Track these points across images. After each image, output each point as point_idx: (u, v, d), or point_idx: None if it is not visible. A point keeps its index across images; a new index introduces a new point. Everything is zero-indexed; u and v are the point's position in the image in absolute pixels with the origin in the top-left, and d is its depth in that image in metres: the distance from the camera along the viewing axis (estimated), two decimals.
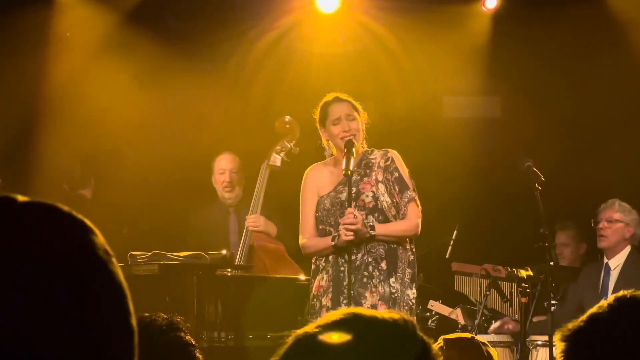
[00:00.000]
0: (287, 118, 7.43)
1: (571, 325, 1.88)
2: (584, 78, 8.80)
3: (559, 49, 8.79)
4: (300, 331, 1.51)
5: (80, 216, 1.25)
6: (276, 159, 7.37)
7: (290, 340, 1.51)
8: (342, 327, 1.48)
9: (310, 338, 1.48)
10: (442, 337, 4.39)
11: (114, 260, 1.26)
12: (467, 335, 4.49)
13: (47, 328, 1.16)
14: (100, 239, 1.25)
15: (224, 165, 7.73)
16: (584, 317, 1.88)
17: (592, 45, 8.67)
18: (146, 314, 2.86)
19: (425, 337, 1.51)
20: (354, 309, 1.52)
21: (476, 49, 8.95)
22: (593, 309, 1.90)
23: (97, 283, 1.22)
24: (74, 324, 1.18)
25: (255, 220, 7.29)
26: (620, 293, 1.93)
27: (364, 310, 1.53)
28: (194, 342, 2.87)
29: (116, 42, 8.61)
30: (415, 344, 1.49)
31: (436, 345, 4.22)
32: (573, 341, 1.85)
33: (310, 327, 1.51)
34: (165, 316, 2.88)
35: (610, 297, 1.92)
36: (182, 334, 2.86)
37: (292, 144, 7.38)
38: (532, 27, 8.80)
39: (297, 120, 7.41)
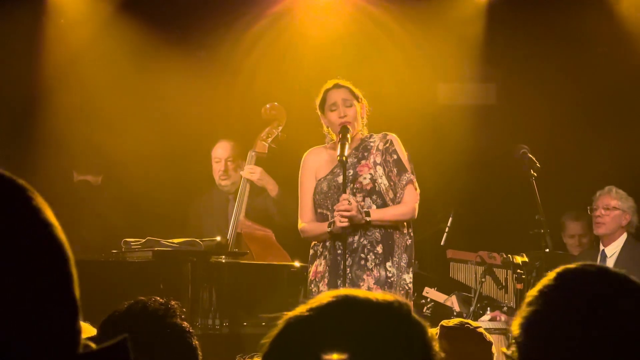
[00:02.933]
0: (272, 104, 7.41)
1: (521, 312, 1.84)
2: (579, 64, 8.77)
3: (554, 35, 8.76)
4: (291, 313, 1.48)
5: (21, 181, 1.22)
6: (263, 146, 7.35)
7: (282, 322, 1.48)
8: (335, 310, 1.45)
9: (303, 320, 1.45)
10: (442, 322, 4.37)
11: (54, 227, 1.21)
12: (472, 323, 4.46)
13: None
14: (40, 203, 1.21)
15: (219, 154, 7.71)
16: (532, 299, 1.84)
17: (587, 31, 8.64)
18: (142, 298, 2.84)
19: (420, 320, 1.48)
20: (346, 291, 1.49)
21: (471, 36, 8.92)
22: (540, 289, 1.86)
23: (33, 247, 1.18)
24: (6, 287, 1.14)
25: (252, 169, 7.27)
26: (561, 269, 1.89)
27: (358, 291, 1.49)
28: (190, 329, 2.85)
29: (109, 29, 8.57)
30: (410, 327, 1.46)
31: (434, 330, 4.21)
32: (525, 327, 1.82)
33: (302, 309, 1.48)
34: (162, 300, 2.86)
35: (551, 274, 1.88)
36: (179, 320, 2.84)
37: (278, 130, 7.36)
38: (527, 14, 8.77)
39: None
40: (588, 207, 7.51)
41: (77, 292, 1.20)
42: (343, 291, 1.49)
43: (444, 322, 4.33)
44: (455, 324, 4.34)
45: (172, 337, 2.79)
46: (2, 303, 1.13)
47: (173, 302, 2.89)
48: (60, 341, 1.16)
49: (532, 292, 1.84)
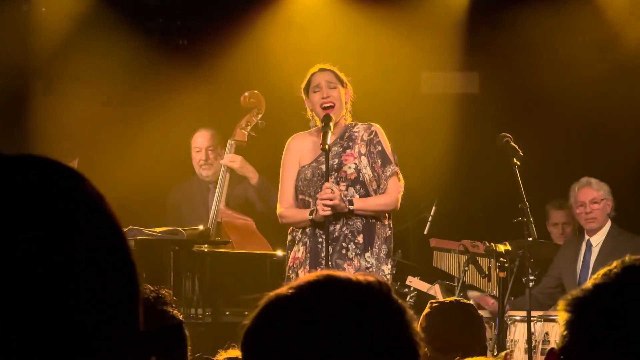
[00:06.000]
0: (251, 92, 7.38)
1: (575, 293, 1.82)
2: (562, 53, 8.78)
3: (536, 23, 8.76)
4: (272, 293, 1.48)
5: (66, 164, 1.22)
6: (242, 135, 7.33)
7: (263, 301, 1.48)
8: (316, 288, 1.46)
9: (285, 298, 1.46)
10: (431, 301, 4.38)
11: (105, 202, 1.22)
12: (463, 300, 4.46)
13: (42, 275, 1.12)
14: (88, 183, 1.22)
15: (200, 143, 7.68)
16: (588, 285, 1.82)
17: (569, 20, 8.65)
18: None
19: (400, 300, 1.49)
20: (328, 271, 1.50)
21: (454, 25, 8.92)
22: (598, 278, 1.84)
23: (91, 225, 1.17)
24: (70, 267, 1.14)
25: (233, 158, 7.26)
26: (627, 259, 1.88)
27: (339, 272, 1.50)
28: (181, 317, 2.84)
29: (91, 18, 8.55)
30: (390, 306, 1.46)
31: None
32: (579, 311, 1.79)
33: (283, 289, 1.48)
34: (152, 288, 2.84)
35: (614, 263, 1.86)
36: (170, 308, 2.83)
37: (258, 118, 7.33)
38: (510, 2, 8.77)
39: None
40: (569, 204, 7.53)
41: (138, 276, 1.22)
42: (325, 272, 1.50)
43: (433, 301, 4.35)
44: (446, 301, 4.37)
45: (163, 325, 2.78)
46: (78, 283, 1.15)
47: (164, 291, 2.88)
48: (123, 318, 1.18)
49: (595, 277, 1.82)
